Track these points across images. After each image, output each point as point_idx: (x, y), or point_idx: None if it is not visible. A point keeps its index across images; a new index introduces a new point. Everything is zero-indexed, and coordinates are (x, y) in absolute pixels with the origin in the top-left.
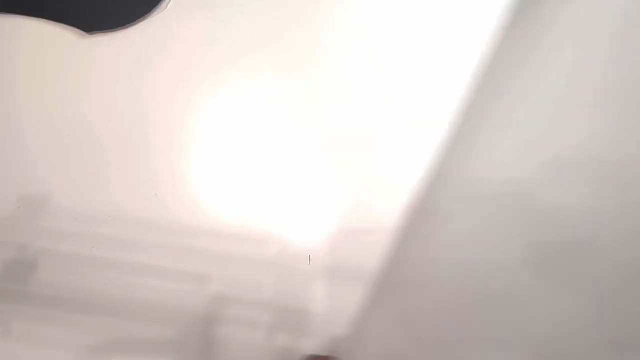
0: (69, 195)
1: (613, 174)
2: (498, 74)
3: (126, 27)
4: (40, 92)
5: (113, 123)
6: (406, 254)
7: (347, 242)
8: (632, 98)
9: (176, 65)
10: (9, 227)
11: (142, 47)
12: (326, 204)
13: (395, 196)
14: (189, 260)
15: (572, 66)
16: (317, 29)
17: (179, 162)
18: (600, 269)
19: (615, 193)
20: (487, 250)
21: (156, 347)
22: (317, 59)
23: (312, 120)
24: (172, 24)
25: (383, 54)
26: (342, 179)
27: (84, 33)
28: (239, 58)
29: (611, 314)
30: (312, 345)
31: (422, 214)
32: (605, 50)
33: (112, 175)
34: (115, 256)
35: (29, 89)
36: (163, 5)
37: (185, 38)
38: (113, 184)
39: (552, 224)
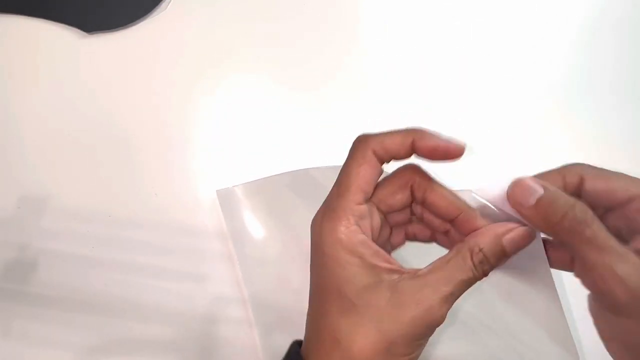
0: (69, 195)
1: None
2: None
3: (126, 27)
4: (40, 92)
5: (113, 123)
6: None
7: None
8: None
9: (177, 65)
10: (9, 227)
11: (142, 47)
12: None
13: None
14: (189, 260)
15: None
16: (324, 29)
17: (179, 162)
18: None
19: None
20: None
21: (156, 347)
22: (320, 59)
23: (316, 120)
24: (173, 24)
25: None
26: None
27: (84, 33)
28: (240, 58)
29: None
30: None
31: None
32: None
33: (112, 175)
34: (115, 256)
35: (29, 89)
36: (163, 5)
37: (185, 38)
38: (113, 184)
39: None
